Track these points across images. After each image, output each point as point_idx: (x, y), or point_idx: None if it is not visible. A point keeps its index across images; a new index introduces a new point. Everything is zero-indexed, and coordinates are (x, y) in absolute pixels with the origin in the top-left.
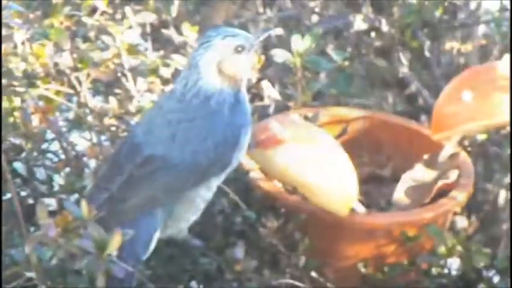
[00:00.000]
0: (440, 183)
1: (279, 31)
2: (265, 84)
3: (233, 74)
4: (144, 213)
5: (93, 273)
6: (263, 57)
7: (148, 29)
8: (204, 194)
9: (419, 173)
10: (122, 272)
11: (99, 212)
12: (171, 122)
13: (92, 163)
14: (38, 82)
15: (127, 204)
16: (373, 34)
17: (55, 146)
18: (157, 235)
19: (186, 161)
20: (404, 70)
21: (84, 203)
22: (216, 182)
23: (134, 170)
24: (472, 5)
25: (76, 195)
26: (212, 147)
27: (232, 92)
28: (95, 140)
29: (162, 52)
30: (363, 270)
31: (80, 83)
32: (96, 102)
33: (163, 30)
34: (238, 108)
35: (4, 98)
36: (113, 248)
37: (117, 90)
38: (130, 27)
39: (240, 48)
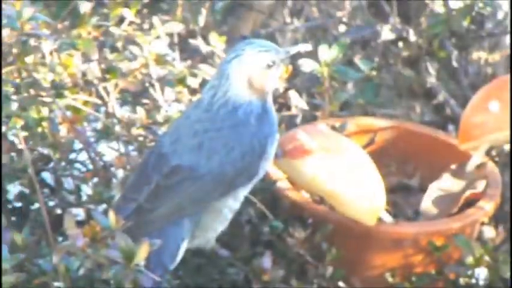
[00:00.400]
0: (467, 193)
1: (309, 47)
2: (292, 94)
3: (262, 87)
4: (172, 223)
5: (121, 283)
6: (290, 67)
7: (175, 39)
8: (232, 204)
9: (446, 183)
10: (149, 282)
11: (126, 222)
12: (197, 132)
13: (120, 173)
14: (66, 92)
15: (154, 214)
16: (400, 44)
17: (83, 156)
18: (184, 245)
19: (213, 171)
20: (431, 80)
21: (111, 213)
22: (243, 192)
23: (161, 180)
24: (500, 15)
25: (104, 205)
26: (239, 157)
27: (260, 103)
28: (122, 150)
29: (189, 62)
30: (390, 280)
31: (107, 93)
32: (123, 112)
33: (191, 40)
34: (265, 118)
35: (32, 108)
36: (140, 257)
37: (144, 100)
38: (158, 37)
39: (271, 63)
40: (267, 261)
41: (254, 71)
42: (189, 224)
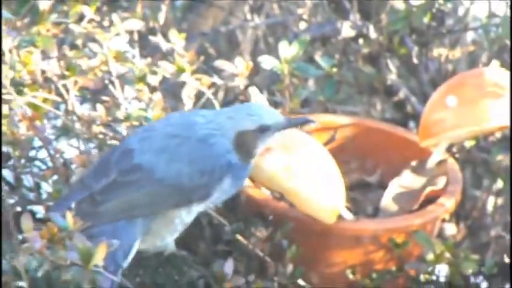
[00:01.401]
0: (428, 189)
1: (315, 124)
2: (253, 91)
3: (248, 149)
4: (125, 222)
5: (79, 283)
6: (251, 64)
7: (135, 36)
8: (184, 217)
9: (407, 180)
10: (107, 283)
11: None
12: (167, 135)
13: (80, 171)
14: (26, 89)
15: (104, 207)
16: (361, 41)
17: (43, 154)
18: (137, 245)
19: (170, 178)
20: (392, 77)
21: (69, 214)
22: (197, 209)
23: (119, 176)
24: (460, 12)
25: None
26: (197, 173)
27: (239, 162)
28: (82, 147)
29: (149, 59)
30: (350, 276)
31: (67, 90)
32: (83, 110)
33: (151, 38)
34: (236, 170)
35: None
36: (98, 259)
37: (104, 98)
38: (117, 34)
39: (264, 128)
40: (228, 266)
41: (244, 131)
42: (141, 225)
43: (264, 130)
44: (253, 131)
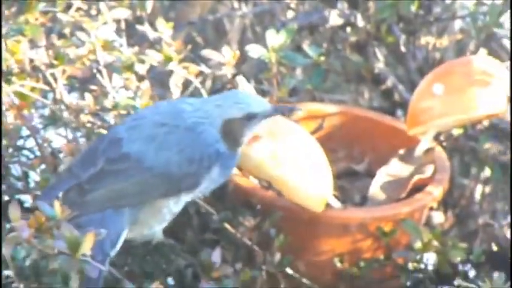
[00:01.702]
0: (415, 178)
1: (301, 112)
2: (240, 79)
3: (235, 137)
4: (112, 211)
5: (67, 273)
6: (238, 53)
7: (123, 25)
8: (172, 207)
9: (394, 168)
10: (95, 272)
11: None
12: (156, 123)
13: (67, 160)
14: (13, 78)
15: (92, 196)
16: (348, 29)
17: (30, 143)
18: (124, 234)
19: (159, 167)
20: (379, 65)
21: (57, 203)
22: (185, 198)
23: (106, 165)
24: (448, 0)
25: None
26: (186, 161)
27: (227, 151)
28: (70, 136)
29: (137, 48)
30: (338, 265)
31: (55, 79)
32: (71, 99)
33: (138, 26)
34: (224, 159)
35: None
36: (85, 248)
37: (92, 87)
38: (105, 23)
39: (251, 116)
40: (216, 255)
41: (231, 119)
42: (128, 215)
43: (251, 118)
44: (240, 119)
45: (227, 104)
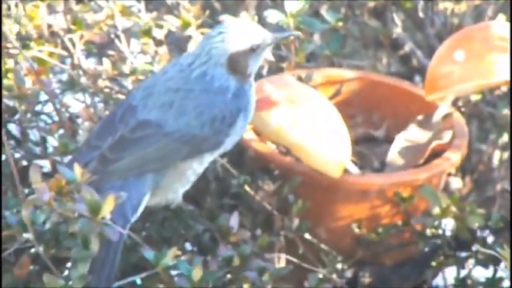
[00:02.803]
0: (434, 143)
1: (299, 34)
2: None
3: (242, 69)
4: (134, 177)
5: (87, 236)
6: (256, 18)
7: None
8: (196, 167)
9: (413, 134)
10: (116, 235)
11: (91, 175)
12: (169, 89)
13: (86, 124)
14: (32, 44)
15: (117, 165)
16: None
17: (49, 108)
18: (146, 200)
19: (180, 131)
20: (398, 31)
21: (77, 166)
22: (209, 158)
23: (127, 133)
24: None
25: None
26: (208, 123)
27: (239, 84)
28: (88, 101)
29: (155, 13)
30: (356, 231)
31: (73, 44)
32: (89, 64)
33: None
34: (242, 95)
35: None
36: (106, 211)
37: (110, 52)
38: None
39: (254, 47)
40: (234, 220)
41: (235, 51)
42: (151, 180)
43: (254, 49)
44: (245, 51)
45: (229, 39)
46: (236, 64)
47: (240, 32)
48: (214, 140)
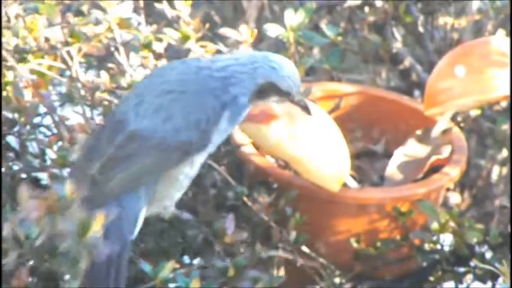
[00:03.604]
0: (433, 158)
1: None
2: None
3: (261, 99)
4: (128, 194)
5: (75, 255)
6: (256, 31)
7: (141, 3)
8: (188, 171)
9: (412, 149)
10: (103, 255)
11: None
12: (162, 92)
13: (82, 137)
14: (30, 56)
15: (109, 185)
16: (366, 9)
17: (47, 120)
18: (142, 215)
19: (168, 138)
20: (397, 45)
21: (68, 184)
22: (199, 160)
23: (114, 152)
24: None
25: (68, 170)
26: (194, 124)
27: (246, 101)
28: (87, 114)
29: (154, 26)
30: (355, 245)
31: (71, 57)
32: (88, 77)
33: (156, 4)
34: (235, 107)
35: None
36: (95, 229)
37: (109, 65)
38: (122, 1)
39: (288, 95)
40: (229, 223)
41: (273, 86)
42: (145, 192)
43: (287, 95)
44: (282, 91)
45: (281, 72)
46: (263, 92)
47: (292, 72)
48: (200, 141)
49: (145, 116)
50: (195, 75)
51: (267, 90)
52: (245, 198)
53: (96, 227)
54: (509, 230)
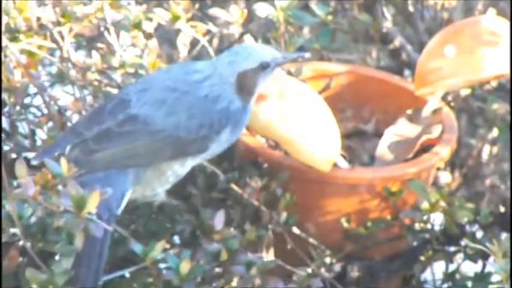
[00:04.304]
0: (423, 138)
1: (308, 55)
2: (248, 39)
3: (250, 89)
4: (117, 171)
5: (72, 231)
6: (246, 11)
7: None
8: (177, 169)
9: (402, 128)
10: (100, 231)
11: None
12: (167, 88)
13: (75, 118)
14: (21, 36)
15: (98, 155)
16: None
17: (38, 101)
18: (129, 194)
19: (166, 131)
20: (387, 25)
21: (63, 161)
22: (191, 163)
23: (114, 126)
24: None
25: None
26: (196, 127)
27: (241, 103)
28: (77, 94)
29: (144, 6)
30: (345, 225)
31: (62, 37)
32: (78, 57)
33: None
34: (238, 114)
35: None
36: (91, 206)
37: (99, 45)
38: None
39: (264, 65)
40: (218, 221)
41: (244, 71)
42: (133, 175)
43: (264, 67)
44: (254, 69)
45: (240, 58)
46: (245, 83)
47: (250, 51)
48: (198, 145)
49: (146, 103)
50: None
51: (248, 80)
52: (236, 184)
53: (92, 204)
54: (500, 209)
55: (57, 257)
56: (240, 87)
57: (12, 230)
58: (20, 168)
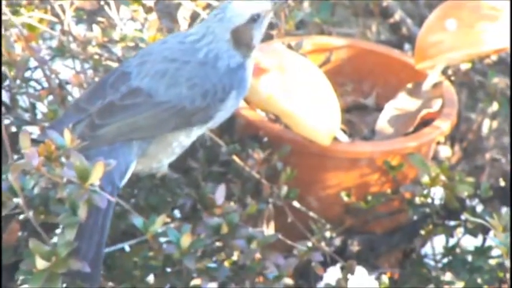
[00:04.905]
0: (423, 112)
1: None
2: None
3: (247, 42)
4: (122, 144)
5: (75, 202)
6: None
7: None
8: (183, 140)
9: (402, 102)
10: (103, 202)
11: (80, 140)
12: (165, 59)
13: (75, 91)
14: (22, 10)
15: (104, 130)
16: None
17: (38, 74)
18: (133, 167)
19: (170, 102)
20: None
21: (67, 132)
22: (197, 132)
23: (117, 99)
24: None
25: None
26: (199, 95)
27: (242, 59)
28: (78, 68)
29: None
30: (345, 199)
31: (63, 11)
32: (79, 31)
33: None
34: (239, 72)
35: None
36: (95, 178)
37: (100, 19)
38: None
39: (255, 17)
40: (219, 195)
41: (238, 25)
42: (137, 148)
43: (255, 19)
44: (246, 23)
45: (229, 14)
46: (241, 37)
47: (239, 5)
48: (203, 114)
49: (147, 76)
50: (191, 46)
51: (243, 35)
52: (237, 156)
53: (96, 175)
54: (500, 183)
55: (58, 230)
56: (236, 42)
57: (15, 201)
58: (24, 139)
